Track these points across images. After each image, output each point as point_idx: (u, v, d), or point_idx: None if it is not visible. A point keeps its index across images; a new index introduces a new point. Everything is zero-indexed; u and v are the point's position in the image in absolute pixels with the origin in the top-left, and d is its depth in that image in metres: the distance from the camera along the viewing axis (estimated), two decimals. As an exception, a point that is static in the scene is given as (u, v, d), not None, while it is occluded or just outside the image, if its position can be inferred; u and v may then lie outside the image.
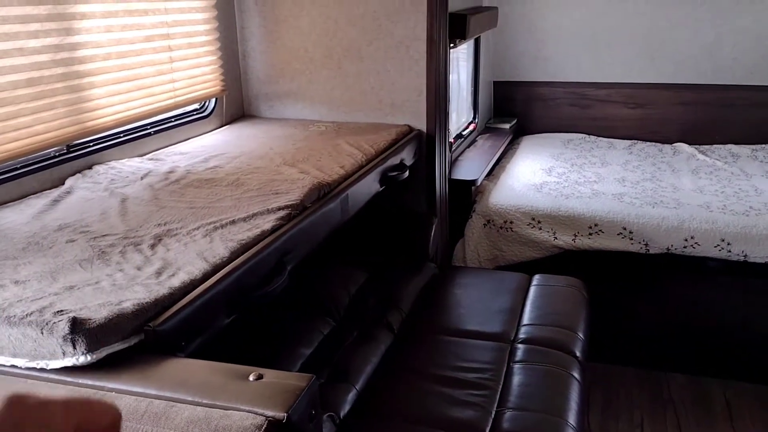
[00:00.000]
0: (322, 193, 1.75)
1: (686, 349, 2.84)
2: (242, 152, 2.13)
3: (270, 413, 0.90)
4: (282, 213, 1.54)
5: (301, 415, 0.92)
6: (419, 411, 1.75)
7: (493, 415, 1.75)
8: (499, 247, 2.93)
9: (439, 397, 1.81)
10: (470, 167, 3.23)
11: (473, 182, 3.04)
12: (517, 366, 1.98)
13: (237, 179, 1.80)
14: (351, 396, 1.80)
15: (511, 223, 2.90)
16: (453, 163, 3.24)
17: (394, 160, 2.26)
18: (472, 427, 1.69)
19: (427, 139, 2.57)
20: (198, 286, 1.19)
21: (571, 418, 1.75)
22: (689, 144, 3.92)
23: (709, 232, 2.67)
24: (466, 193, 3.05)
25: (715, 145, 3.91)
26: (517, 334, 2.16)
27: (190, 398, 0.95)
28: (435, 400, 1.79)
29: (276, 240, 1.44)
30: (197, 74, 2.36)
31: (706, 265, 2.71)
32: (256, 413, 0.90)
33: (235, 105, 2.69)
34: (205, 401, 0.94)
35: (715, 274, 2.71)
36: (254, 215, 1.52)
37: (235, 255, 1.33)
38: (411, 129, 2.54)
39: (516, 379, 1.91)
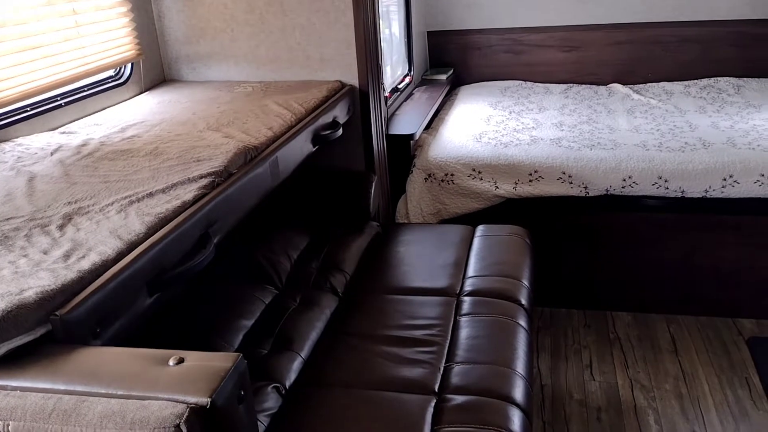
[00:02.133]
0: (249, 157, 1.65)
1: (630, 288, 2.88)
2: (162, 119, 2.00)
3: (192, 400, 0.83)
4: (204, 181, 1.45)
5: (227, 399, 0.86)
6: (367, 374, 1.71)
7: (441, 371, 1.72)
8: (442, 200, 2.89)
9: (386, 357, 1.77)
10: (408, 121, 3.16)
11: (411, 136, 2.97)
12: (464, 319, 1.95)
13: (155, 148, 1.68)
14: (296, 365, 1.74)
15: (452, 175, 2.86)
16: (390, 117, 3.16)
17: (327, 119, 2.17)
18: (420, 385, 1.66)
19: (360, 95, 2.48)
20: (111, 267, 1.10)
21: (519, 367, 1.74)
22: (624, 84, 3.93)
23: (646, 171, 2.68)
24: (404, 148, 2.98)
25: (649, 84, 3.94)
26: (462, 287, 2.13)
27: (103, 390, 0.87)
28: (383, 362, 1.75)
29: (199, 211, 1.34)
30: (108, 39, 2.20)
31: (644, 204, 2.73)
32: (176, 401, 0.83)
33: (154, 70, 2.54)
34: (120, 392, 0.86)
35: (654, 211, 2.74)
36: (174, 186, 1.42)
37: (152, 230, 1.23)
38: (343, 85, 2.44)
39: (463, 333, 1.89)
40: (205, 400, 0.83)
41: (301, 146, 1.95)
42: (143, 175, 1.49)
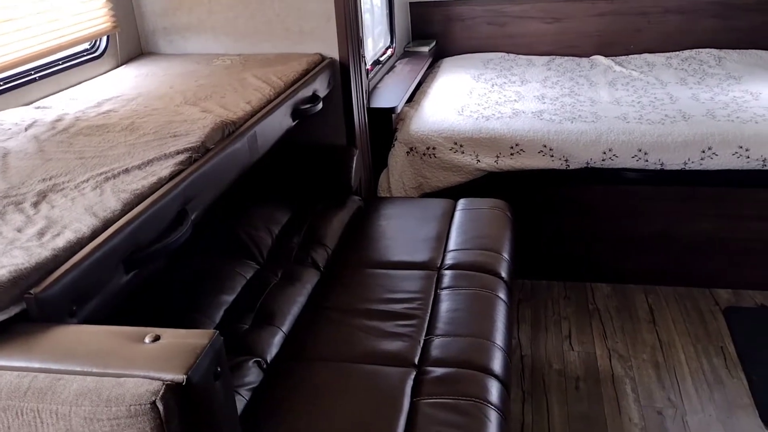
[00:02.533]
0: (227, 132, 1.64)
1: (609, 259, 2.92)
2: (139, 93, 1.97)
3: (168, 377, 0.83)
4: (181, 157, 1.43)
5: (203, 375, 0.86)
6: (348, 348, 1.73)
7: (421, 344, 1.74)
8: (423, 174, 2.89)
9: (367, 331, 1.78)
10: (389, 94, 3.14)
11: (393, 110, 2.96)
12: (444, 292, 1.97)
13: (132, 123, 1.66)
14: (278, 339, 1.75)
15: (434, 149, 2.86)
16: (371, 91, 3.14)
17: (306, 92, 2.15)
18: (400, 357, 1.68)
19: (341, 68, 2.46)
20: (86, 245, 1.09)
21: (498, 339, 1.76)
22: (606, 56, 3.93)
23: (626, 143, 2.69)
24: (386, 122, 2.97)
25: (631, 56, 3.93)
26: (443, 260, 2.14)
27: (78, 368, 0.87)
28: (363, 335, 1.77)
29: (175, 187, 1.33)
30: (83, 10, 2.15)
31: (624, 176, 2.75)
32: (152, 378, 0.84)
33: (131, 42, 2.49)
34: (95, 370, 0.86)
35: (633, 184, 2.76)
36: (150, 161, 1.41)
37: (129, 207, 1.22)
38: (323, 58, 2.42)
39: (444, 306, 1.90)
40: (180, 377, 0.83)
41: (281, 121, 1.94)
42: (119, 151, 1.48)
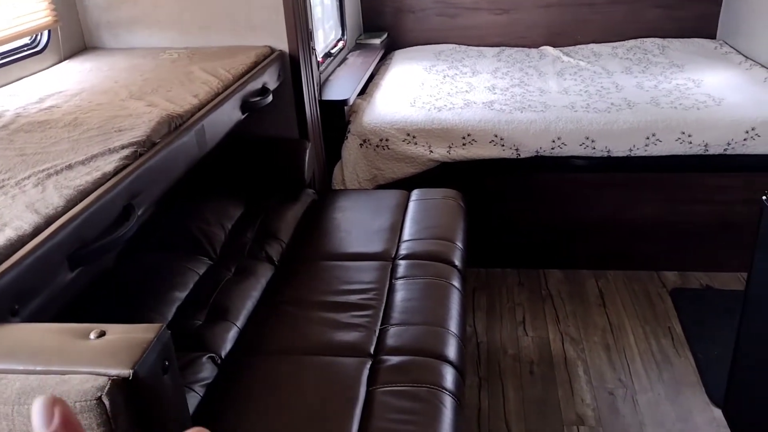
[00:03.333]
0: (174, 126, 1.62)
1: (561, 245, 2.98)
2: (83, 89, 1.93)
3: (113, 372, 0.83)
4: (126, 152, 1.41)
5: (150, 370, 0.85)
6: (303, 340, 1.73)
7: (377, 334, 1.75)
8: (377, 165, 2.90)
9: (322, 323, 1.79)
10: (342, 87, 3.14)
11: (345, 102, 2.95)
12: (399, 282, 1.99)
13: (75, 119, 1.62)
14: (232, 334, 1.74)
15: (387, 140, 2.87)
16: (323, 83, 3.13)
17: (255, 85, 2.13)
18: (356, 348, 1.69)
19: (291, 60, 2.44)
20: (28, 242, 1.07)
21: (453, 326, 1.78)
22: (554, 47, 4.00)
23: (574, 132, 2.75)
24: (339, 114, 2.97)
25: (578, 46, 4.01)
26: (398, 250, 2.16)
27: (21, 367, 0.85)
28: (319, 328, 1.77)
29: (120, 182, 1.31)
30: (21, 4, 2.09)
31: (573, 164, 2.81)
32: (97, 374, 0.82)
33: (74, 37, 2.43)
34: (39, 368, 0.84)
35: (582, 171, 2.82)
36: (94, 157, 1.38)
37: (72, 203, 1.20)
38: (272, 50, 2.40)
39: (398, 295, 1.92)
40: (126, 372, 0.83)
41: (229, 114, 1.92)
42: (62, 147, 1.44)
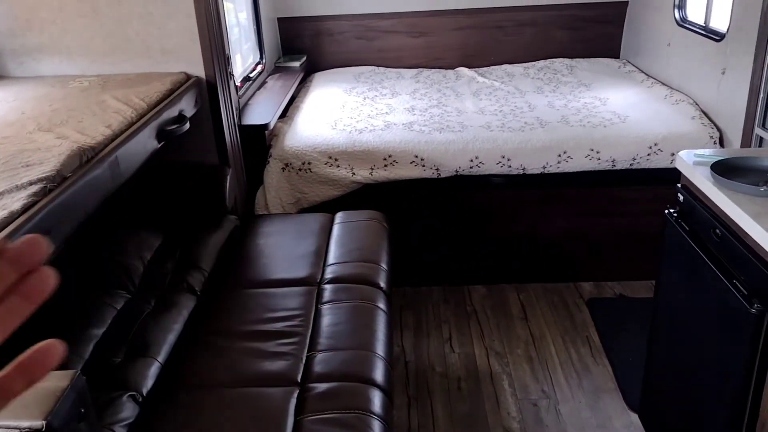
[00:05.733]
0: (85, 159, 1.57)
1: (483, 262, 3.05)
2: (-14, 121, 1.84)
3: (25, 425, 0.79)
4: (35, 188, 1.36)
5: (64, 420, 0.82)
6: (228, 372, 1.70)
7: (304, 361, 1.75)
8: (300, 189, 2.89)
9: (247, 353, 1.76)
10: (261, 111, 3.12)
11: (266, 126, 2.94)
12: (325, 307, 1.99)
13: (-22, 154, 1.55)
14: (153, 370, 1.69)
15: (309, 163, 2.87)
16: (242, 107, 3.10)
17: (172, 113, 2.10)
18: (283, 377, 1.67)
19: (208, 86, 2.42)
20: (-73, 290, 1.01)
21: (379, 349, 1.80)
22: (469, 68, 4.12)
23: (490, 151, 2.84)
24: (259, 139, 2.95)
25: (492, 67, 4.15)
26: (323, 275, 2.16)
27: None
28: (244, 358, 1.75)
29: (29, 220, 1.26)
30: None
31: (491, 182, 2.90)
32: (8, 428, 0.79)
33: (-25, 65, 2.32)
34: (-59, 427, 0.80)
35: (499, 189, 2.91)
36: (0, 194, 1.32)
37: (-24, 245, 1.14)
38: (188, 76, 2.37)
39: (325, 320, 1.92)
40: (39, 423, 0.79)
41: (145, 143, 1.88)
42: (-37, 185, 1.37)
